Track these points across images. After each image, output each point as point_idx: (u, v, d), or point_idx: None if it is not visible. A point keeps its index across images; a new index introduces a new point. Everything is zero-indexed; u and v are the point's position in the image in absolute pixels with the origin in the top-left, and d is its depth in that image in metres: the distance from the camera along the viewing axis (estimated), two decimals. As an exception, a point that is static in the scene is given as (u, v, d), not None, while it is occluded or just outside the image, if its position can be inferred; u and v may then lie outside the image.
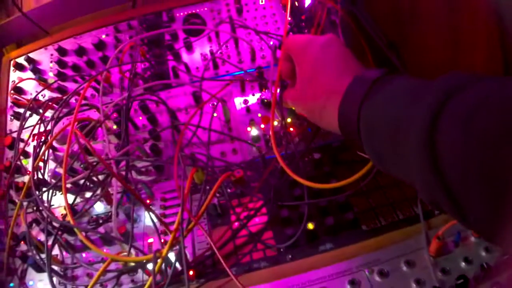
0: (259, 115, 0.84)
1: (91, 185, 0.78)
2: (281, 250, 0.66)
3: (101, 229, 0.74)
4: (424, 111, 0.36)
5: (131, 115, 0.87)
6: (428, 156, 0.35)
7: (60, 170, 0.80)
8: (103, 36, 1.01)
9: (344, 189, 0.64)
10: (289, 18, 0.93)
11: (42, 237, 0.72)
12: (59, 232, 0.68)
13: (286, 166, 0.64)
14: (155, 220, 0.73)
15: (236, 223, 0.70)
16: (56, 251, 0.71)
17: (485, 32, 0.56)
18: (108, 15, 1.06)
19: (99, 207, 0.78)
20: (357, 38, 0.83)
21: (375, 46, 0.81)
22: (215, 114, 0.84)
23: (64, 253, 0.71)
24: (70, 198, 0.76)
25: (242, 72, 0.88)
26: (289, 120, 0.82)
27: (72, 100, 0.90)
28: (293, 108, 0.79)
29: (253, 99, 0.86)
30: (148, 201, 0.77)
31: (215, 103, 0.83)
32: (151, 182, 0.80)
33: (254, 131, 0.82)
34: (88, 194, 0.79)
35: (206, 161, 0.72)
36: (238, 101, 0.86)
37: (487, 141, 0.31)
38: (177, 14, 1.00)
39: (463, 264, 0.61)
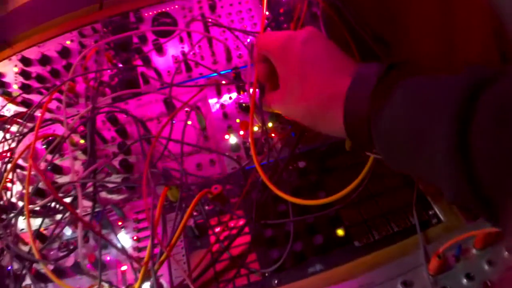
0: (238, 120, 0.78)
1: (60, 208, 0.71)
2: (266, 274, 0.60)
3: (72, 257, 0.67)
4: (452, 113, 0.33)
5: (99, 127, 0.81)
6: (459, 162, 0.33)
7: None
8: (68, 43, 0.94)
9: (333, 202, 0.57)
10: (267, 13, 0.86)
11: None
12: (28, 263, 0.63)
13: (267, 180, 0.58)
14: (128, 245, 0.67)
15: (217, 245, 0.63)
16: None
17: (480, 26, 0.51)
18: (74, 19, 0.98)
19: (69, 231, 0.71)
20: (340, 31, 0.76)
21: (359, 39, 0.75)
22: (189, 122, 0.77)
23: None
24: (39, 221, 0.70)
25: (217, 74, 0.81)
26: (270, 124, 0.75)
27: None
28: (275, 112, 0.73)
29: (230, 103, 0.79)
30: (120, 223, 0.70)
31: (189, 110, 0.75)
32: (123, 201, 0.73)
33: (232, 139, 0.75)
34: (59, 216, 0.72)
35: (180, 177, 0.65)
36: (214, 106, 0.79)
37: None
38: (145, 14, 0.93)
39: (464, 281, 0.55)
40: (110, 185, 0.73)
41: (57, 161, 0.78)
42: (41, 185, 0.72)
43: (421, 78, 0.41)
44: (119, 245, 0.62)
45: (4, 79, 0.92)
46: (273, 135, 0.74)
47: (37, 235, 0.67)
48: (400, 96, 0.40)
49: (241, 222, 0.65)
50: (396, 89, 0.41)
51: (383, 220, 0.64)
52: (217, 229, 0.65)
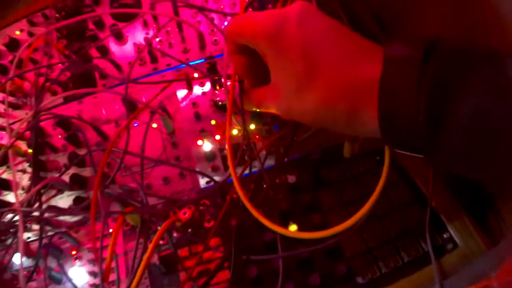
0: (213, 122, 0.65)
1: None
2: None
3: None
4: None
5: (49, 133, 0.69)
6: None
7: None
8: (17, 33, 0.80)
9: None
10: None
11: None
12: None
13: (249, 203, 0.45)
14: (83, 281, 0.56)
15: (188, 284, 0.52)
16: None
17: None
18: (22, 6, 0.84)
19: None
20: (332, 8, 0.63)
21: (355, 19, 0.63)
22: (154, 125, 0.64)
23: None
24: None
25: (187, 65, 0.68)
26: (252, 126, 0.62)
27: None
28: (258, 111, 0.60)
29: (204, 100, 0.66)
30: (73, 252, 0.59)
31: (153, 111, 0.62)
32: (77, 224, 0.61)
33: (206, 145, 0.62)
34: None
35: (141, 200, 0.53)
36: (185, 105, 0.66)
37: None
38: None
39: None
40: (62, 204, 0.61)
41: (4, 175, 0.67)
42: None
43: (499, 67, 0.32)
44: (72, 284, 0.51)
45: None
46: (257, 137, 0.62)
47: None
48: (480, 90, 0.32)
49: (219, 253, 0.53)
50: (470, 81, 0.32)
51: (390, 248, 0.52)
52: (189, 264, 0.53)
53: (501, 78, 0.32)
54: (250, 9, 0.69)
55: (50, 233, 0.60)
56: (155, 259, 0.53)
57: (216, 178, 0.59)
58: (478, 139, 0.33)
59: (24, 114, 0.70)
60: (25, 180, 0.65)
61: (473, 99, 0.32)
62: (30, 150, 0.65)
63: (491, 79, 0.32)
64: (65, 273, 0.57)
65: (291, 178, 0.56)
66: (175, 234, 0.55)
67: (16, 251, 0.58)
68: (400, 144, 0.37)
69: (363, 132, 0.40)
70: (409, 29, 0.62)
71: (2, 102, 0.69)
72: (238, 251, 0.49)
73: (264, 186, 0.56)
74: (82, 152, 0.64)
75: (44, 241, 0.58)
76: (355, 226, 0.42)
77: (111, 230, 0.54)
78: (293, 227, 0.55)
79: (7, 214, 0.58)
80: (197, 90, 0.67)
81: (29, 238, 0.61)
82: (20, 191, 0.64)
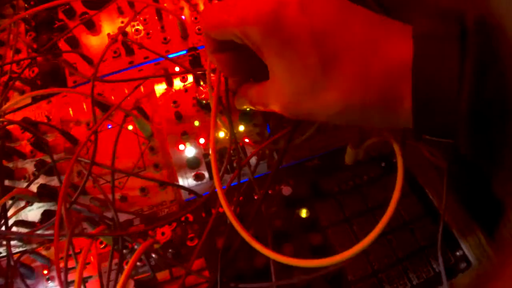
0: (196, 123, 0.57)
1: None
2: None
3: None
4: None
5: (17, 138, 0.62)
6: None
7: None
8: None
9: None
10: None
11: None
12: None
13: (237, 222, 0.39)
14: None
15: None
16: None
17: None
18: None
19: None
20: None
21: None
22: (130, 127, 0.57)
23: None
24: None
25: (166, 58, 0.60)
26: (241, 128, 0.56)
27: None
28: (249, 110, 0.54)
29: (186, 99, 0.59)
30: (45, 272, 0.54)
31: (129, 112, 0.55)
32: (48, 241, 0.55)
33: (189, 150, 0.55)
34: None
35: (112, 218, 0.46)
36: (164, 104, 0.59)
37: None
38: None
39: None
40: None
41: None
42: None
43: None
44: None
45: None
46: (246, 141, 0.55)
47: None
48: None
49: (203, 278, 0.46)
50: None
51: (398, 269, 0.47)
52: (170, 289, 0.47)
53: None
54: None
55: (19, 250, 0.55)
56: (131, 285, 0.46)
57: (200, 188, 0.53)
58: None
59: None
60: None
61: None
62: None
63: None
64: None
65: (286, 190, 0.50)
66: (154, 255, 0.49)
67: None
68: (436, 129, 0.34)
69: (399, 123, 0.35)
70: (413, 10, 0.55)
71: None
72: (225, 278, 0.43)
73: (256, 197, 0.49)
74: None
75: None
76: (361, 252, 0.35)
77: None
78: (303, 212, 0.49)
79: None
80: (178, 86, 0.60)
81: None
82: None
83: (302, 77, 0.35)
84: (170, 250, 0.48)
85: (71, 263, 0.45)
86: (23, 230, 0.55)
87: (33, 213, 0.57)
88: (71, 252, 0.47)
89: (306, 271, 0.42)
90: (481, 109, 0.31)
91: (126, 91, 0.59)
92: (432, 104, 0.32)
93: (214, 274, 0.43)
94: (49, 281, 0.53)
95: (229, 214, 0.39)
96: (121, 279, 0.39)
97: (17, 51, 0.67)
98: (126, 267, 0.39)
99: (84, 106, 0.61)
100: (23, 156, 0.60)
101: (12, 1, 0.73)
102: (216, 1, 0.63)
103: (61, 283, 0.44)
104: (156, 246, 0.47)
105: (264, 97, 0.40)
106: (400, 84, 0.32)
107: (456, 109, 0.31)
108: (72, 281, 0.42)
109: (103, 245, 0.52)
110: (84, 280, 0.50)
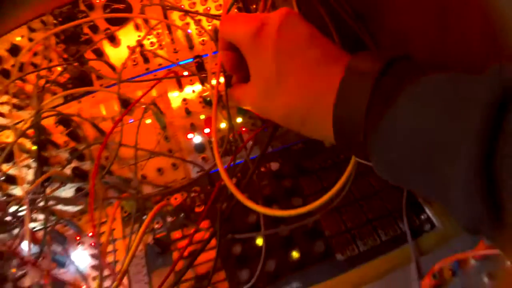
0: (202, 116, 0.69)
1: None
2: (236, 298, 0.52)
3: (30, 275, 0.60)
4: (478, 130, 0.28)
5: (51, 131, 0.73)
6: (482, 186, 0.28)
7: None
8: (17, 39, 0.84)
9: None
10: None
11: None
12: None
13: (234, 187, 0.49)
14: (86, 263, 0.61)
15: (181, 262, 0.55)
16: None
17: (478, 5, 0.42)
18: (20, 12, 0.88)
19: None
20: (316, 10, 0.67)
21: (338, 19, 0.66)
22: (148, 121, 0.68)
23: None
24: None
25: (176, 64, 0.72)
26: (239, 120, 0.66)
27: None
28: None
29: (193, 97, 0.70)
30: (77, 237, 0.63)
31: (145, 107, 0.66)
32: (80, 213, 0.65)
33: (197, 138, 0.66)
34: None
35: (135, 187, 0.57)
36: (175, 101, 0.70)
37: None
38: (97, 0, 0.82)
39: (463, 298, 0.48)
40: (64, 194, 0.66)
41: (11, 171, 0.70)
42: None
43: (436, 77, 0.34)
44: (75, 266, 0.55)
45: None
46: (243, 129, 0.66)
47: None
48: (408, 104, 0.34)
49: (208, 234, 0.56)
50: (401, 94, 0.34)
51: (369, 228, 0.56)
52: (181, 245, 0.57)
53: (421, 97, 0.34)
54: (235, 10, 0.73)
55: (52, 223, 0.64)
56: (150, 239, 0.57)
57: (206, 167, 0.63)
58: (403, 154, 0.35)
59: (27, 115, 0.74)
60: (30, 175, 0.69)
61: (395, 117, 0.35)
62: (34, 147, 0.70)
63: (414, 98, 0.34)
64: (68, 257, 0.60)
65: (274, 166, 0.60)
66: (169, 219, 0.59)
67: (23, 239, 0.61)
68: (348, 151, 0.41)
69: (318, 135, 0.43)
70: (388, 26, 0.64)
71: (6, 103, 0.74)
72: (224, 230, 0.53)
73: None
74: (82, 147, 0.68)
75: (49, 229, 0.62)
76: (330, 202, 0.45)
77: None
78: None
79: (13, 203, 0.61)
80: (187, 88, 0.72)
81: (34, 228, 0.64)
82: (25, 185, 0.68)
83: (262, 82, 0.44)
84: (182, 214, 0.59)
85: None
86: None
87: (66, 192, 0.67)
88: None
89: (288, 223, 0.53)
90: (374, 141, 0.36)
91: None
92: (344, 129, 0.38)
93: (215, 227, 0.54)
94: (79, 245, 0.62)
95: (226, 179, 0.49)
96: (141, 229, 0.49)
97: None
98: (145, 220, 0.50)
99: (110, 105, 0.72)
100: (57, 146, 0.71)
101: (41, 16, 0.85)
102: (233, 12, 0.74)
103: (95, 232, 0.54)
104: (169, 207, 0.57)
105: (241, 96, 0.49)
106: (324, 106, 0.39)
107: (359, 138, 0.37)
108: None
109: (126, 215, 0.62)
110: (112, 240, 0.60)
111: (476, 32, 0.45)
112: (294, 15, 0.43)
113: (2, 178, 0.68)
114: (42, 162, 0.68)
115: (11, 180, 0.69)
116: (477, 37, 0.46)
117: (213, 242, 0.54)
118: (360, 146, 0.37)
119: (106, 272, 0.56)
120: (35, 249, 0.62)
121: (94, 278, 0.59)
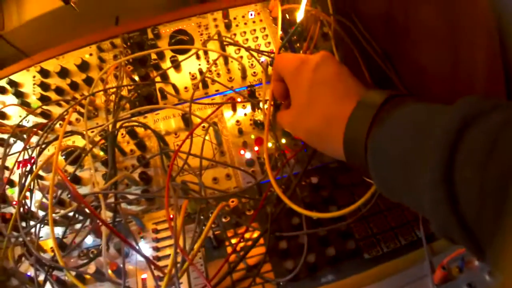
0: (252, 136, 0.81)
1: (80, 217, 0.74)
2: (281, 284, 0.63)
3: (92, 265, 0.70)
4: (440, 145, 0.34)
5: (118, 141, 0.84)
6: (444, 194, 0.33)
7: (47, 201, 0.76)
8: (86, 56, 0.98)
9: (345, 216, 0.61)
10: (281, 32, 0.89)
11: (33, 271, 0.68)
12: (49, 270, 0.66)
13: (282, 193, 0.61)
14: (148, 254, 0.71)
15: (233, 255, 0.67)
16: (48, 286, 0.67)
17: (485, 44, 0.52)
18: (89, 33, 1.02)
19: (89, 239, 0.75)
20: (351, 51, 0.79)
21: (370, 58, 0.77)
22: (207, 138, 0.81)
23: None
24: (59, 230, 0.74)
25: (233, 91, 0.85)
26: (283, 141, 0.79)
27: (58, 125, 0.87)
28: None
29: (245, 119, 0.83)
30: (140, 233, 0.74)
31: (206, 126, 0.79)
32: (142, 212, 0.76)
33: (247, 154, 0.79)
34: (78, 226, 0.75)
35: (199, 191, 0.69)
36: (230, 122, 0.83)
37: (504, 179, 0.29)
38: (163, 31, 0.97)
39: (466, 290, 0.59)
40: (130, 197, 0.77)
41: (77, 172, 0.82)
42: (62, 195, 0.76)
43: (416, 106, 0.42)
44: (143, 254, 0.66)
45: (22, 89, 0.95)
46: (286, 151, 0.78)
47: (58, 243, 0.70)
48: (393, 123, 0.42)
49: (256, 234, 0.68)
50: (390, 116, 0.42)
51: (391, 234, 0.67)
52: (234, 241, 0.69)
53: (403, 119, 0.41)
54: (283, 49, 0.87)
55: (118, 220, 0.73)
56: (210, 233, 0.69)
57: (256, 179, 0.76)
58: (390, 170, 0.41)
59: (94, 124, 0.88)
60: (97, 177, 0.79)
61: (383, 134, 0.42)
62: (101, 153, 0.82)
63: (398, 119, 0.42)
64: (132, 246, 0.71)
65: (314, 179, 0.72)
66: (224, 220, 0.71)
67: (88, 233, 0.71)
68: (353, 165, 0.48)
69: (334, 152, 0.51)
70: (408, 60, 0.70)
71: (79, 112, 0.87)
72: (272, 229, 0.65)
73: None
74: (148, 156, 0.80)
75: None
76: (360, 211, 0.58)
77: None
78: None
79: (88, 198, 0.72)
80: (240, 111, 0.85)
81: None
82: (89, 186, 0.80)
83: (298, 108, 0.56)
84: (234, 216, 0.71)
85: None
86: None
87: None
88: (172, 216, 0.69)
89: (325, 225, 0.64)
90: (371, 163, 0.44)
91: (201, 114, 0.84)
92: (352, 151, 0.46)
93: (264, 227, 0.66)
94: (141, 239, 0.73)
95: (275, 187, 0.60)
96: (208, 224, 0.61)
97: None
98: (213, 214, 0.61)
99: (172, 122, 0.85)
100: (124, 153, 0.83)
101: (112, 39, 0.98)
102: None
103: (174, 230, 0.66)
104: (227, 208, 0.69)
105: (282, 118, 0.62)
106: (338, 130, 0.48)
107: (362, 160, 0.45)
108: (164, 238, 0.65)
109: (186, 213, 0.74)
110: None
111: (483, 66, 0.51)
112: (328, 57, 0.55)
113: (68, 178, 0.77)
114: (115, 166, 0.80)
115: (77, 180, 0.80)
116: (483, 70, 0.51)
117: (261, 240, 0.67)
118: (364, 165, 0.45)
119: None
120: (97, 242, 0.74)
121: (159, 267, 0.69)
